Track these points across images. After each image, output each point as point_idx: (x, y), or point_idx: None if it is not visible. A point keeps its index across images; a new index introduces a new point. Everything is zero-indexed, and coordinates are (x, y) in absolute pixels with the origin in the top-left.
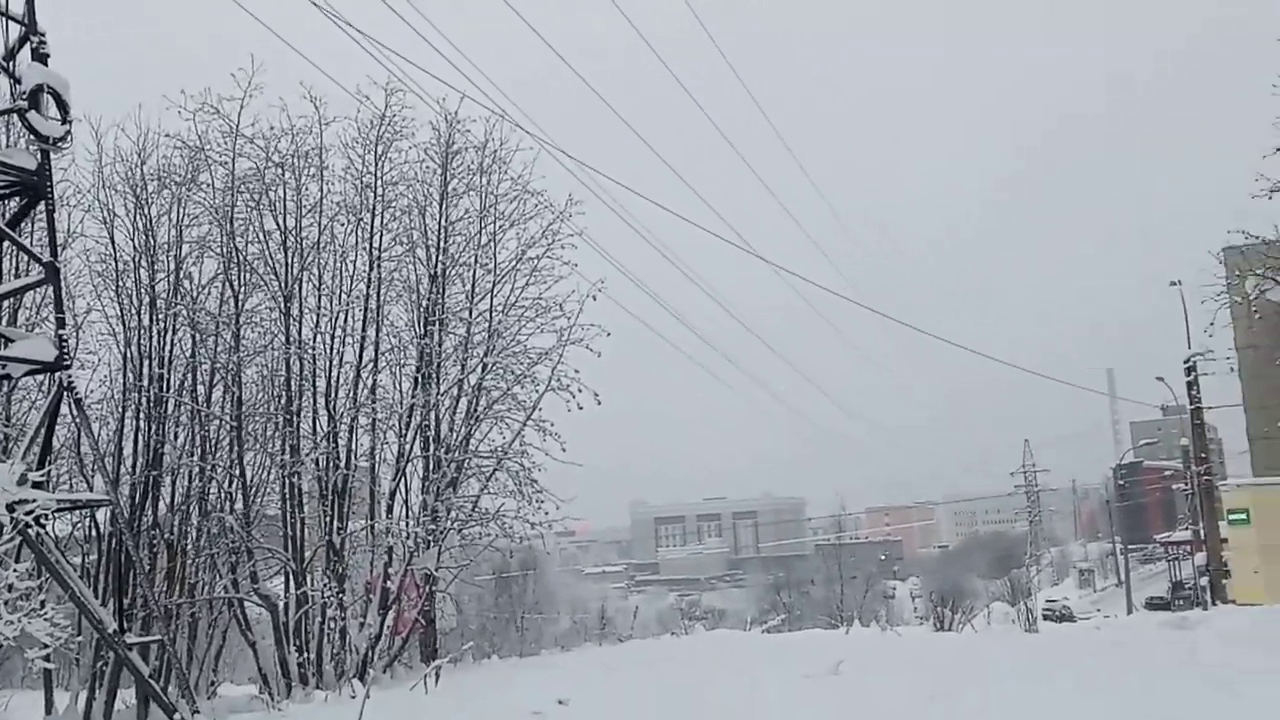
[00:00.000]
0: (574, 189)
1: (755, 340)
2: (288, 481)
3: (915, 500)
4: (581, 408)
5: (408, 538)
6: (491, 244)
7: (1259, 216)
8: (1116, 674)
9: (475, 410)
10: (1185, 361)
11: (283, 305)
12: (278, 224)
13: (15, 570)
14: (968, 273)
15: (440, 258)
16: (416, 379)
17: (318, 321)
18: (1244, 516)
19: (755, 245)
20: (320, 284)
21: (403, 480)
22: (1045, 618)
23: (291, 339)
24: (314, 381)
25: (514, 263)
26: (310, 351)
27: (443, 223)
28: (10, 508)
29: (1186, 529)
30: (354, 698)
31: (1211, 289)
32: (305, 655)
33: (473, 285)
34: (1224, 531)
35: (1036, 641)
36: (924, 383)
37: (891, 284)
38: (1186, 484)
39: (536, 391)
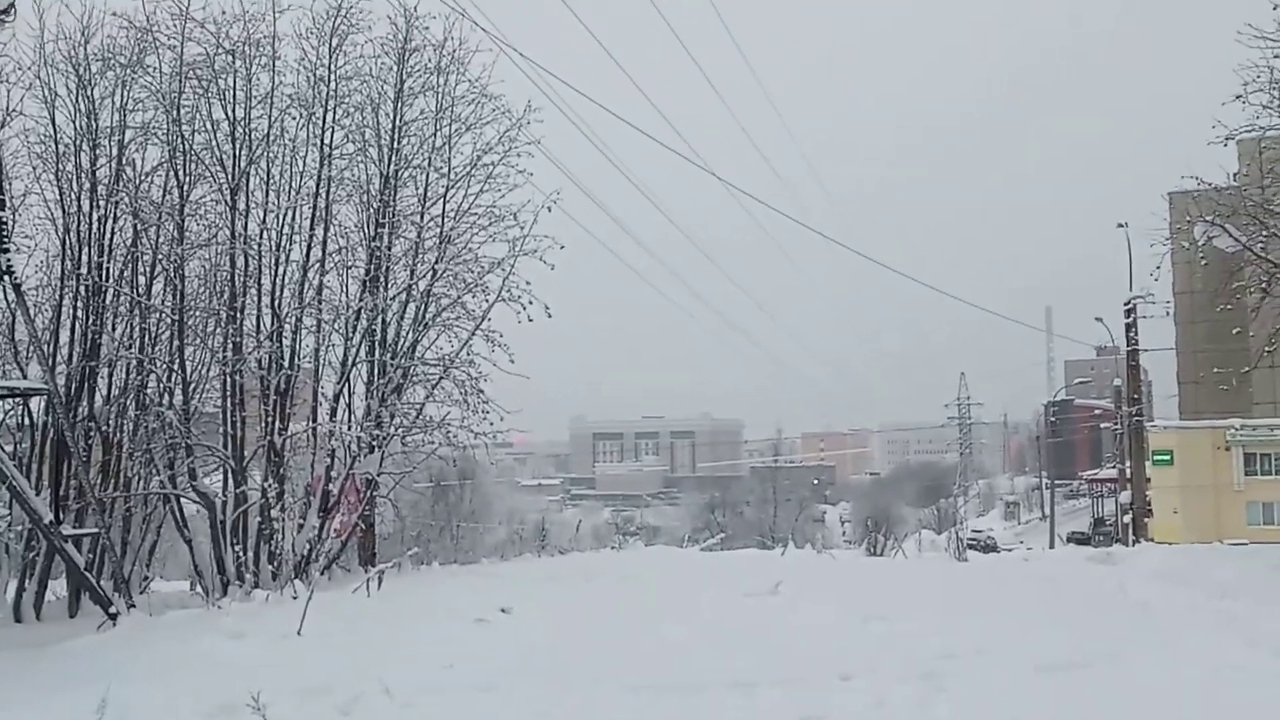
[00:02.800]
0: (532, 96)
1: (704, 261)
2: (229, 379)
3: (851, 428)
4: (532, 320)
5: (350, 442)
6: (446, 147)
7: (1210, 164)
8: (1049, 604)
9: (424, 317)
10: (1126, 303)
11: (229, 198)
12: (226, 114)
13: None
14: (915, 207)
15: (393, 158)
16: (365, 282)
17: (264, 217)
18: (1168, 458)
19: (712, 166)
20: (269, 179)
21: (347, 384)
22: (970, 547)
23: (237, 234)
24: (259, 279)
25: (469, 168)
26: (256, 247)
27: (397, 122)
28: None
29: (1112, 467)
30: (295, 598)
31: (1159, 233)
32: (242, 554)
33: (425, 189)
34: (1147, 471)
35: (967, 570)
36: (868, 313)
37: (841, 213)
38: (1116, 423)
39: (487, 301)
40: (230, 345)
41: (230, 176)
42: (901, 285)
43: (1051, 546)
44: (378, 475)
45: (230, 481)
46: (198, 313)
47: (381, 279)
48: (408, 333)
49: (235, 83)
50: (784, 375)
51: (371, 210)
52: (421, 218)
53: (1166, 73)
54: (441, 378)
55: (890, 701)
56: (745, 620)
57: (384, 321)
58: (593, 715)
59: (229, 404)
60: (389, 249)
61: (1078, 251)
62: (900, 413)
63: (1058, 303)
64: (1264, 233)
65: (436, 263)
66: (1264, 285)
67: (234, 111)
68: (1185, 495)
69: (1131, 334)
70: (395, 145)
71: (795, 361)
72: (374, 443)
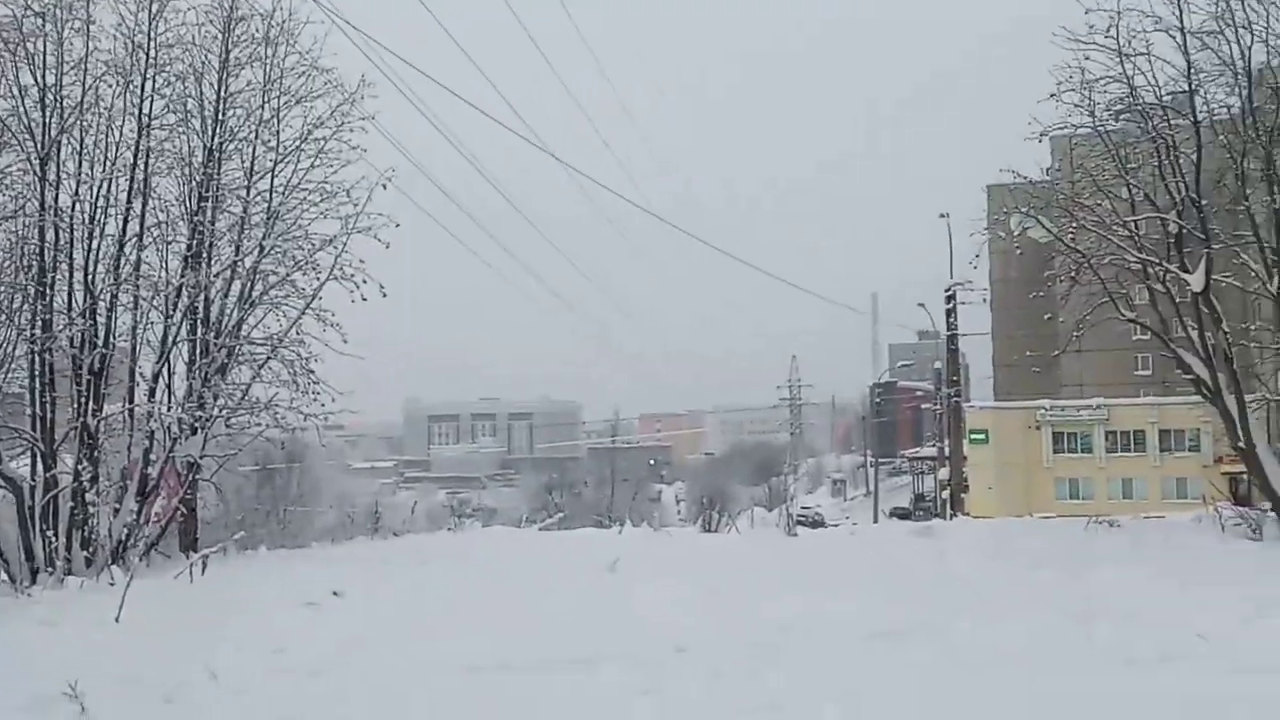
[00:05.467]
0: (367, 71)
1: (544, 245)
2: (38, 358)
3: (687, 409)
4: (365, 299)
5: (170, 424)
6: (275, 120)
7: (1026, 159)
8: (875, 576)
9: (250, 295)
10: (946, 290)
11: (38, 168)
12: (36, 79)
13: None
14: (756, 202)
15: (217, 130)
16: (186, 258)
17: (77, 189)
18: (983, 436)
19: (549, 145)
20: (82, 149)
21: (167, 364)
22: (799, 523)
23: (47, 205)
24: (70, 253)
25: (298, 142)
26: (68, 220)
27: (222, 93)
28: None
29: (932, 446)
30: (112, 585)
31: (978, 224)
32: (54, 540)
33: (252, 163)
34: (964, 449)
35: (797, 544)
36: (707, 300)
37: (686, 206)
38: (936, 404)
39: (318, 279)
40: (39, 322)
41: (40, 145)
42: (739, 274)
43: (875, 521)
44: (200, 458)
45: (40, 465)
46: (3, 288)
47: (205, 255)
48: (233, 311)
49: (46, 47)
50: (622, 358)
51: (194, 184)
52: (248, 192)
53: (990, 74)
54: (269, 358)
55: (726, 672)
56: (583, 598)
57: (207, 299)
58: (430, 696)
59: (38, 384)
60: (213, 224)
61: (905, 241)
62: (735, 395)
63: (886, 291)
64: (1073, 225)
65: (264, 239)
66: (1073, 274)
67: (44, 77)
68: (999, 472)
69: (951, 319)
70: (220, 117)
71: (633, 345)
72: (196, 424)
